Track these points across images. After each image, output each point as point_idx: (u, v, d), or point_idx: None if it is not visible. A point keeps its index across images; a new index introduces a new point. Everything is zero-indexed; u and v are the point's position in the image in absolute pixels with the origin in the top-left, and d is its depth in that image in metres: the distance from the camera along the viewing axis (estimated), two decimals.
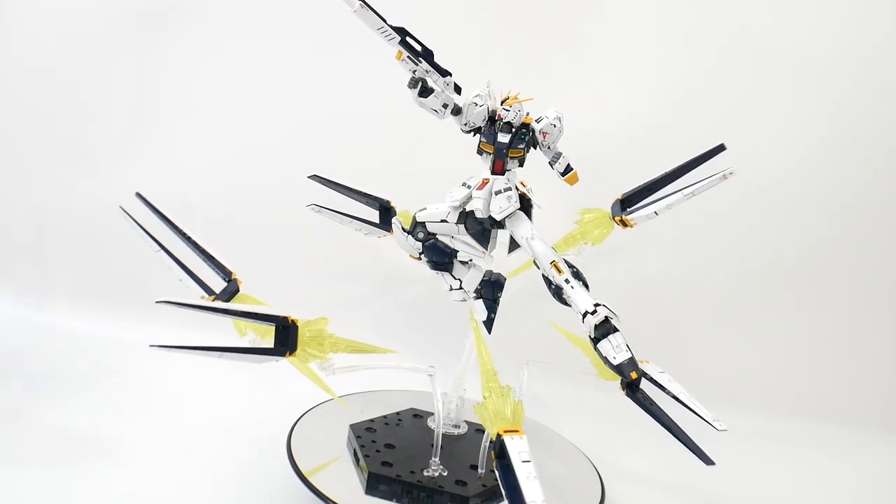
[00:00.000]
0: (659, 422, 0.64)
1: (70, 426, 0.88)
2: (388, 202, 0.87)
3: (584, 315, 0.63)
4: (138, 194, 0.77)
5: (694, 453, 0.63)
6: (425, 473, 0.72)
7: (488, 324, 0.74)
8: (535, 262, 0.69)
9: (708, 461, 0.62)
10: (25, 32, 1.23)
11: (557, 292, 0.67)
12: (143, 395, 1.00)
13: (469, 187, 0.71)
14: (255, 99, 1.22)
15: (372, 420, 0.83)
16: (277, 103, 1.21)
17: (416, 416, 0.87)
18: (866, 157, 1.12)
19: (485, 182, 0.70)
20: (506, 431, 0.57)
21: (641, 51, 1.14)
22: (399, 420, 0.85)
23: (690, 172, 0.80)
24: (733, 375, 1.18)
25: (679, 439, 0.63)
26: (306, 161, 1.20)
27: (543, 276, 0.69)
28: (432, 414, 0.85)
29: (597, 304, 0.64)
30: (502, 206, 0.69)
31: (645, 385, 0.66)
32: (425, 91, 0.68)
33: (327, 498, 0.67)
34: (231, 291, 0.73)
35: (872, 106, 1.11)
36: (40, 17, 1.22)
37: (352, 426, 0.80)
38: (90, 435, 0.86)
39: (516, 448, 0.56)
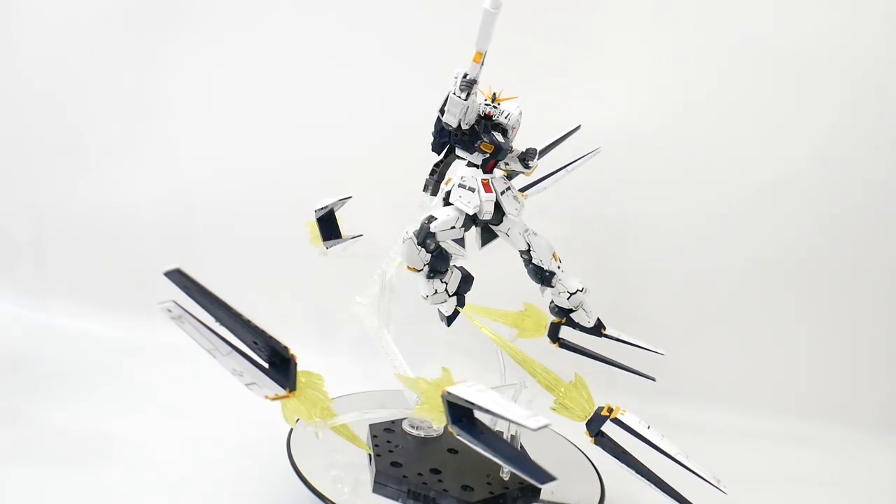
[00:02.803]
0: (595, 358, 0.81)
1: (70, 426, 0.88)
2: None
3: (574, 293, 0.75)
4: (178, 271, 0.50)
5: (635, 374, 0.80)
6: (504, 477, 0.73)
7: (452, 318, 0.74)
8: (526, 252, 0.73)
9: (651, 378, 0.79)
10: (27, 35, 1.23)
11: (549, 277, 0.74)
12: (143, 395, 1.00)
13: (473, 190, 0.70)
14: (256, 104, 1.22)
15: (379, 455, 0.75)
16: (279, 110, 1.21)
17: (387, 430, 0.81)
18: (867, 158, 1.12)
19: (486, 183, 0.70)
20: (608, 411, 0.67)
21: (642, 51, 1.14)
22: (388, 441, 0.79)
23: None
24: (733, 376, 1.18)
25: (617, 366, 0.80)
26: (306, 165, 1.21)
27: (535, 264, 0.73)
28: (396, 421, 0.83)
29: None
30: (516, 207, 0.72)
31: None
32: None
33: (326, 498, 0.67)
34: (294, 375, 0.61)
35: (873, 106, 1.11)
36: (41, 19, 1.22)
37: (380, 472, 0.72)
38: (90, 435, 0.86)
39: (634, 420, 0.66)
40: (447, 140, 0.71)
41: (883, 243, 1.14)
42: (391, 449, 0.77)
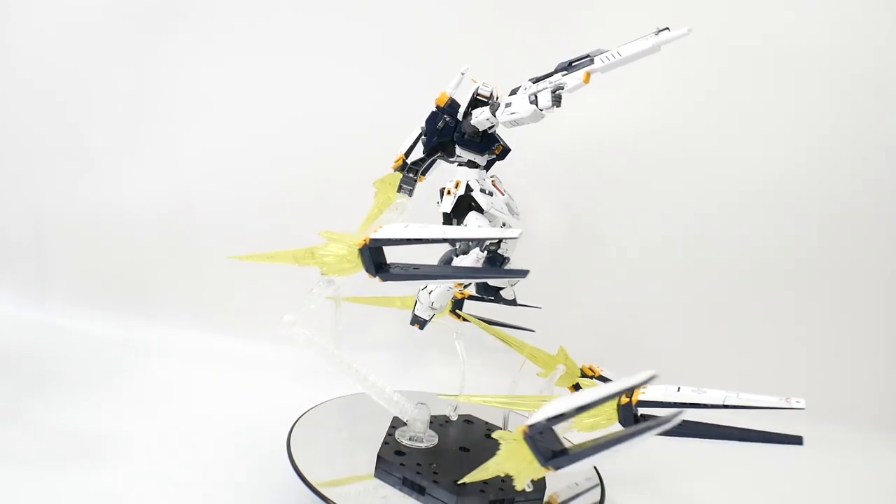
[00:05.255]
0: (495, 324, 0.86)
1: (70, 426, 0.88)
2: None
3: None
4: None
5: (516, 329, 0.87)
6: None
7: (428, 321, 0.74)
8: (494, 243, 0.72)
9: (530, 330, 0.86)
10: (26, 33, 1.23)
11: (504, 263, 0.74)
12: (143, 395, 1.00)
13: (492, 194, 0.70)
14: (256, 104, 1.21)
15: (436, 482, 0.69)
16: (279, 110, 1.21)
17: (398, 453, 0.75)
18: (866, 158, 1.12)
19: (495, 184, 0.70)
20: (590, 371, 0.80)
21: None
22: (418, 464, 0.72)
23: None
24: (733, 376, 1.18)
25: (510, 326, 0.86)
26: (307, 165, 1.21)
27: (499, 254, 0.73)
28: (389, 442, 0.77)
29: None
30: (517, 205, 0.73)
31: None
32: None
33: (326, 498, 0.67)
34: None
35: (873, 106, 1.11)
36: (41, 16, 1.22)
37: (463, 496, 0.67)
38: (90, 435, 0.86)
39: (612, 375, 0.76)
40: (448, 140, 0.71)
41: (883, 243, 1.14)
42: (435, 470, 0.70)
